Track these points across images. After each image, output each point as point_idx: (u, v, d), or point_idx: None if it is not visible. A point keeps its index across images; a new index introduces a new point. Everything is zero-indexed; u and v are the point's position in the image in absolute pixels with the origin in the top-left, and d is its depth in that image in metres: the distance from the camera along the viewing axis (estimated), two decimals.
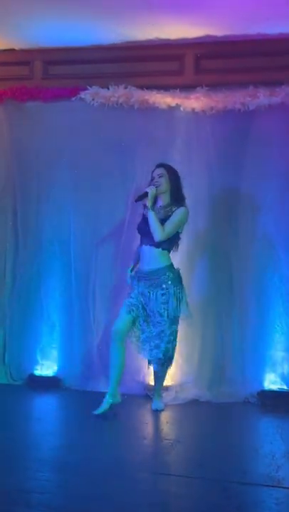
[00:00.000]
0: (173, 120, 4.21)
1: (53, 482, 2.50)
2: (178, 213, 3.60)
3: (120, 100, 4.24)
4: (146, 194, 3.58)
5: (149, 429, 3.60)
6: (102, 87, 4.29)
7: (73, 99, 4.31)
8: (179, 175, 3.70)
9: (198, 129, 4.20)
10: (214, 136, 4.18)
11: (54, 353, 4.32)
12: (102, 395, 3.57)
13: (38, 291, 4.38)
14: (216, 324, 4.14)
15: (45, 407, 4.00)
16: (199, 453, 3.01)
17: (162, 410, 3.71)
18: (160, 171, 3.66)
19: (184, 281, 3.72)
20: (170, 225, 3.56)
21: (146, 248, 3.63)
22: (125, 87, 4.25)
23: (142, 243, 3.69)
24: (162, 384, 3.81)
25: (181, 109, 4.20)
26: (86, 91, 4.29)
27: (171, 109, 4.21)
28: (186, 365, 4.10)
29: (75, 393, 4.10)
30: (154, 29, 4.01)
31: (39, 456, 2.82)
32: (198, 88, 4.18)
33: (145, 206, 3.62)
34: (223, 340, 4.11)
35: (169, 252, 3.65)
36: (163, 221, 3.57)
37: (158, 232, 3.52)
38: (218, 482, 2.52)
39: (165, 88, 4.24)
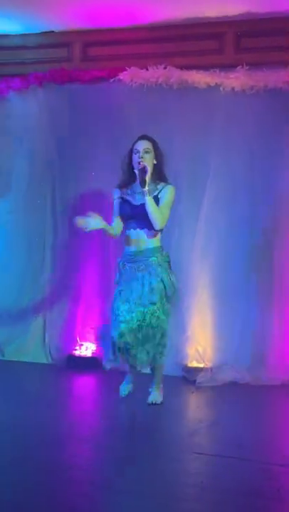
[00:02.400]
0: (212, 100, 4.13)
1: (94, 460, 2.55)
2: (167, 193, 3.32)
3: (159, 81, 4.19)
4: (145, 170, 3.21)
5: (186, 410, 3.62)
6: (141, 68, 4.24)
7: (112, 80, 4.29)
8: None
9: (238, 108, 4.12)
10: (254, 116, 4.10)
11: (92, 335, 4.38)
12: (139, 375, 3.60)
13: (76, 274, 4.43)
14: (256, 307, 4.10)
15: (84, 388, 4.07)
16: (238, 435, 2.98)
17: (160, 404, 3.42)
18: (146, 144, 3.30)
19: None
20: (166, 209, 3.30)
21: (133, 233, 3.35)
22: (164, 68, 4.20)
23: (129, 227, 3.37)
24: (160, 375, 3.49)
25: (221, 88, 4.12)
26: (124, 72, 4.26)
27: (211, 89, 4.14)
28: (224, 347, 4.09)
29: (112, 374, 4.13)
30: (193, 7, 3.92)
31: (81, 435, 2.87)
32: (238, 67, 4.09)
33: (132, 191, 3.37)
34: (263, 323, 4.07)
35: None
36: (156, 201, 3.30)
37: (160, 220, 3.26)
38: (258, 464, 2.51)
39: (205, 68, 4.16)
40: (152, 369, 3.46)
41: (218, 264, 4.15)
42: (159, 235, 3.35)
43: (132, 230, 3.33)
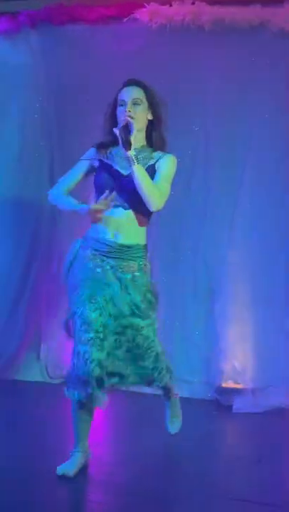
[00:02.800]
0: (255, 43, 3.36)
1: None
2: (167, 162, 2.47)
3: (186, 19, 3.40)
4: (129, 128, 2.36)
5: (220, 443, 3.02)
6: (163, 4, 3.46)
7: (125, 20, 3.51)
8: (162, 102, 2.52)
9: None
10: None
11: None
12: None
13: None
14: None
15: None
16: (284, 477, 2.49)
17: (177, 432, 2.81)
18: (135, 93, 2.46)
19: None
20: (164, 183, 2.44)
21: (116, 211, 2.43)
22: (192, 3, 3.42)
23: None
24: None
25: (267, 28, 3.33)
26: (143, 9, 3.48)
27: (253, 30, 3.34)
28: (268, 364, 3.42)
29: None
30: None
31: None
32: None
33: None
34: None
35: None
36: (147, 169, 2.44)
37: (156, 196, 2.38)
38: None
39: (244, 3, 3.35)
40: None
41: (261, 267, 3.46)
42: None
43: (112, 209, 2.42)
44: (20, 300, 3.72)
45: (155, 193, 2.36)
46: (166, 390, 2.72)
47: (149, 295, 2.44)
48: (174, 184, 2.48)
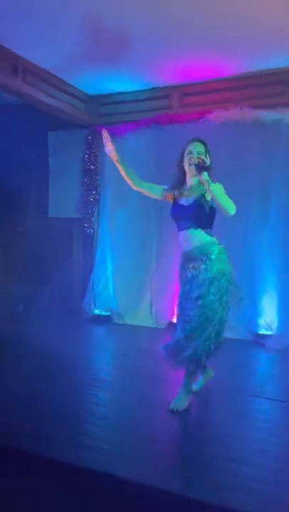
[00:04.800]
0: (276, 133, 5.39)
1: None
2: (219, 187, 3.23)
3: (237, 118, 5.55)
4: (200, 165, 3.21)
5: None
6: (224, 110, 5.64)
7: (201, 120, 5.73)
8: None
9: None
10: None
11: None
12: None
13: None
14: None
15: None
16: None
17: (182, 411, 3.28)
18: (199, 147, 3.35)
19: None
20: (226, 197, 3.21)
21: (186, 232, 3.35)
22: (241, 108, 5.56)
23: (179, 229, 3.41)
24: (186, 379, 3.38)
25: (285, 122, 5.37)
26: (211, 113, 5.69)
27: (276, 123, 5.42)
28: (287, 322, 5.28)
29: None
30: (261, 61, 5.24)
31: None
32: None
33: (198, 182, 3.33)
34: None
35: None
36: (199, 200, 3.28)
37: (232, 205, 3.19)
38: None
39: (271, 107, 5.45)
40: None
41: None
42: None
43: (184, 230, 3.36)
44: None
45: (230, 202, 3.16)
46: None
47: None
48: None
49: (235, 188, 5.21)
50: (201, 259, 3.23)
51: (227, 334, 4.59)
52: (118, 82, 5.91)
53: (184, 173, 3.40)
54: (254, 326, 5.38)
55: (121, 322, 6.21)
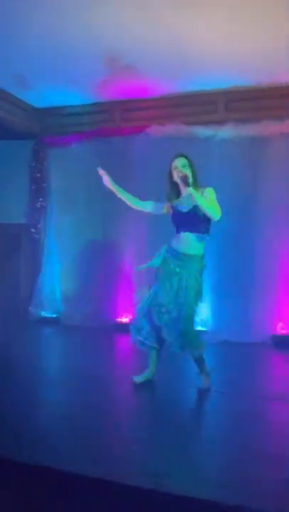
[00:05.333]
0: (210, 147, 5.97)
1: None
2: (210, 192, 3.66)
3: (172, 133, 6.11)
4: (185, 179, 3.62)
5: None
6: (160, 125, 6.20)
7: (141, 134, 6.26)
8: None
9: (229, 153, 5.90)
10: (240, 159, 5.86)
11: None
12: None
13: None
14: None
15: None
16: None
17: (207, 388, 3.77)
18: (184, 161, 3.74)
19: None
20: (215, 202, 3.61)
21: (182, 234, 3.71)
22: (176, 124, 6.13)
23: (177, 231, 3.77)
24: (201, 365, 3.82)
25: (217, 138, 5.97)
26: (150, 128, 6.24)
27: (209, 139, 6.01)
28: None
29: None
30: (194, 83, 5.79)
31: None
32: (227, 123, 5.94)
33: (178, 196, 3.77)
34: None
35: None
36: (194, 208, 3.60)
37: (216, 210, 3.58)
38: None
39: (204, 124, 6.03)
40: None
41: None
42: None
43: (182, 233, 3.71)
44: None
45: (214, 207, 3.54)
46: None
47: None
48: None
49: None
50: (191, 264, 3.69)
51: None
52: (64, 96, 6.30)
53: (177, 185, 3.78)
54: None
55: (69, 324, 6.54)
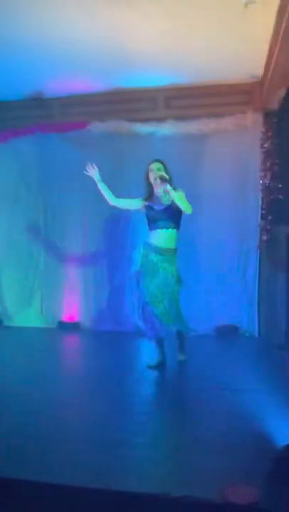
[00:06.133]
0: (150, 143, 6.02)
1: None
2: (181, 192, 4.23)
3: (113, 130, 6.13)
4: (164, 178, 4.20)
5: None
6: (101, 122, 6.18)
7: (82, 130, 6.23)
8: None
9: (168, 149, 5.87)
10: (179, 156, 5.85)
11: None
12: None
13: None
14: None
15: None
16: None
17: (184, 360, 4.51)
18: (159, 165, 4.33)
19: None
20: (186, 201, 4.17)
21: (161, 231, 4.27)
22: (115, 120, 6.14)
23: (154, 228, 4.30)
24: (184, 341, 4.54)
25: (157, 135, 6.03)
26: (91, 124, 6.21)
27: (149, 136, 6.06)
28: None
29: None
30: (136, 80, 5.82)
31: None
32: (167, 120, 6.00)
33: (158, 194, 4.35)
34: None
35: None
36: (171, 205, 4.22)
37: (189, 206, 4.15)
38: None
39: (144, 120, 6.07)
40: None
41: None
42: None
43: (158, 229, 4.27)
44: None
45: (187, 203, 4.13)
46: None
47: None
48: None
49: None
50: (171, 256, 4.28)
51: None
52: (3, 90, 6.13)
53: (152, 186, 4.36)
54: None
55: (11, 324, 6.44)
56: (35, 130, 6.37)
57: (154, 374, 4.23)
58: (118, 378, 4.08)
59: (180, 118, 6.01)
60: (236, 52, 4.97)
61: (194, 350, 4.81)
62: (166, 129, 6.03)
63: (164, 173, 4.23)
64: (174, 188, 4.22)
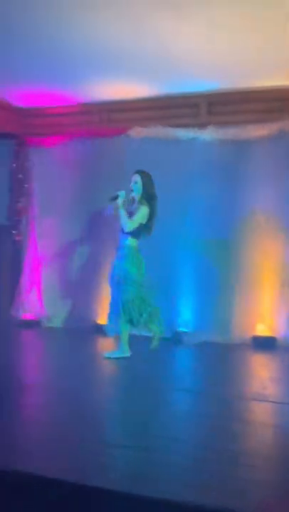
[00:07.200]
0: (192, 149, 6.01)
1: None
2: (139, 210, 4.70)
3: (152, 135, 6.14)
4: (116, 197, 4.69)
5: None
6: (143, 127, 6.21)
7: (123, 135, 6.26)
8: (151, 179, 4.80)
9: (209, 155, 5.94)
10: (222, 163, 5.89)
11: None
12: None
13: None
14: None
15: None
16: None
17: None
18: (135, 178, 4.73)
19: None
20: (136, 219, 4.67)
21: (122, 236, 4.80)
22: (158, 126, 6.16)
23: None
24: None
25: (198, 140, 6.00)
26: (131, 130, 6.25)
27: (191, 141, 6.04)
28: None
29: None
30: (177, 86, 5.82)
31: None
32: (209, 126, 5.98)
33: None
34: None
35: (137, 238, 4.78)
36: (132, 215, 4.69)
37: (128, 225, 4.67)
38: None
39: (185, 126, 6.06)
40: None
41: None
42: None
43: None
44: None
45: (126, 222, 4.63)
46: None
47: None
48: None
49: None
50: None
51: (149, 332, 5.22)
52: (47, 96, 6.26)
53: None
54: (173, 324, 5.90)
55: (50, 325, 6.51)
56: (78, 136, 6.46)
57: (200, 381, 4.18)
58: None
59: (222, 124, 5.96)
60: (279, 59, 4.93)
61: None
62: (208, 134, 6.00)
63: (133, 189, 4.74)
64: (144, 203, 4.70)
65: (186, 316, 5.93)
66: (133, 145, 6.19)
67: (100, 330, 5.84)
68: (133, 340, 4.90)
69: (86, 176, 6.44)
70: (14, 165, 6.80)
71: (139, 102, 6.20)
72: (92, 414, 3.27)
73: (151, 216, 4.79)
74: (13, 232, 6.85)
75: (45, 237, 6.66)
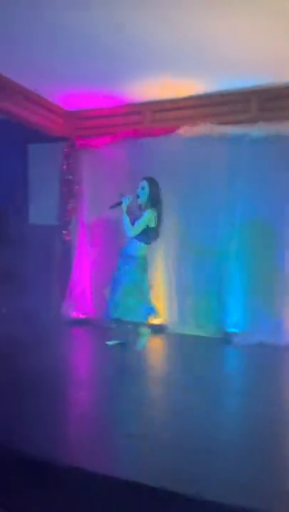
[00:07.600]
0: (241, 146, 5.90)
1: None
2: (144, 215, 4.62)
3: (203, 133, 6.06)
4: (120, 203, 4.71)
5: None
6: (192, 126, 6.14)
7: (171, 134, 6.21)
8: (158, 186, 4.74)
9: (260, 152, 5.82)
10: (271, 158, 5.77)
11: None
12: None
13: None
14: None
15: None
16: None
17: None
18: (142, 184, 4.73)
19: None
20: (139, 225, 4.58)
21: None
22: (207, 124, 6.07)
23: None
24: None
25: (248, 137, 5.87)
26: (180, 129, 6.20)
27: (240, 138, 5.92)
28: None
29: None
30: (227, 82, 5.74)
31: None
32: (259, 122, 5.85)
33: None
34: None
35: (146, 243, 4.69)
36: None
37: (129, 230, 4.61)
38: None
39: (236, 123, 5.96)
40: None
41: None
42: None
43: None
44: None
45: (129, 228, 4.59)
46: None
47: None
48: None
49: (200, 198, 5.79)
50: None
51: (198, 332, 5.17)
52: (94, 98, 6.31)
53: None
54: (223, 324, 5.81)
55: (99, 324, 6.46)
56: (126, 136, 6.47)
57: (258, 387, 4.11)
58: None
59: (273, 119, 5.81)
60: None
61: None
62: (258, 131, 5.85)
63: (140, 195, 4.70)
64: (151, 208, 4.62)
65: (236, 317, 5.81)
66: (182, 144, 6.15)
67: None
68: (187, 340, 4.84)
69: (135, 176, 6.39)
70: (64, 167, 6.90)
71: (187, 100, 6.15)
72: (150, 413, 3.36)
73: (158, 220, 4.70)
74: (64, 232, 6.94)
75: (94, 236, 6.70)
